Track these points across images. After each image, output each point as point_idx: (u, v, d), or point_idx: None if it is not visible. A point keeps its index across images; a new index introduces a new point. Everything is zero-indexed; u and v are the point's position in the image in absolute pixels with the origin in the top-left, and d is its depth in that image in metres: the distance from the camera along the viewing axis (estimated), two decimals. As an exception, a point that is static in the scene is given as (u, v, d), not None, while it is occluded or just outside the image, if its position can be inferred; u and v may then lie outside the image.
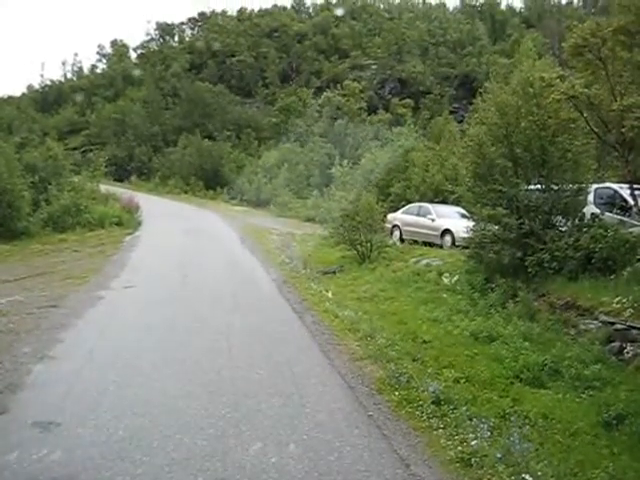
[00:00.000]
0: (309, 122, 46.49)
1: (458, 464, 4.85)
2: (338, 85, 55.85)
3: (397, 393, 6.35)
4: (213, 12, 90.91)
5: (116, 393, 6.16)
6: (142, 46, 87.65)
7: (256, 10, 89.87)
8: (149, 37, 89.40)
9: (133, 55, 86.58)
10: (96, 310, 10.04)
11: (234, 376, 6.81)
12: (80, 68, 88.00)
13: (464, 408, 5.91)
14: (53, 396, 5.97)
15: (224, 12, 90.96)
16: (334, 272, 14.91)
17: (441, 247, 15.87)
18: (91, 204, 23.80)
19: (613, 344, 7.80)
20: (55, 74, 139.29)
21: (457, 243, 14.72)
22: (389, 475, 4.65)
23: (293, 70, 72.61)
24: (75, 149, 53.00)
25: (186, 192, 46.67)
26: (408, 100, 58.96)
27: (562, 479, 4.53)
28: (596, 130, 10.33)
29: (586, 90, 9.39)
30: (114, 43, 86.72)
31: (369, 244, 15.61)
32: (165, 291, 11.79)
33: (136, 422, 5.39)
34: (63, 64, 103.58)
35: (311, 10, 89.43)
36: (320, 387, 6.55)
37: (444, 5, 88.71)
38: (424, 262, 13.81)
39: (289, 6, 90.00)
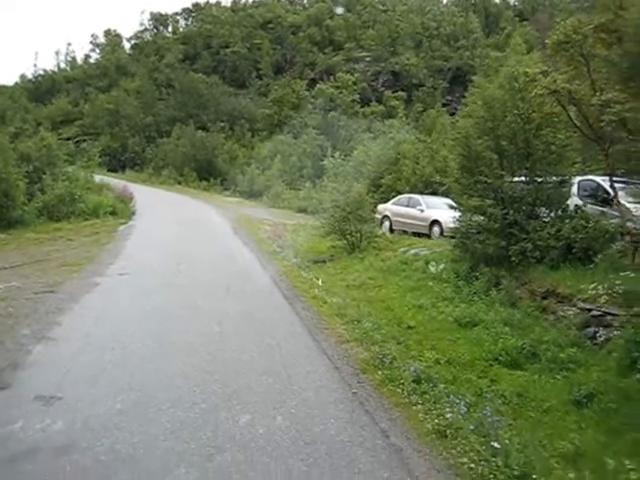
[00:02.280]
0: (302, 114, 46.71)
1: (434, 435, 5.19)
2: (332, 77, 56.10)
3: (380, 373, 6.68)
4: (207, 3, 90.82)
5: (113, 372, 6.44)
6: (136, 36, 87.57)
7: (250, 1, 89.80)
8: (143, 27, 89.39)
9: (127, 45, 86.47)
10: (92, 296, 10.29)
11: (226, 357, 7.10)
12: (73, 58, 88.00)
13: (442, 386, 6.26)
14: (53, 374, 6.26)
15: (218, 3, 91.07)
16: (324, 261, 15.22)
17: (430, 237, 16.21)
18: (85, 194, 23.98)
19: (589, 329, 8.15)
20: (48, 64, 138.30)
21: (445, 233, 15.00)
22: (370, 445, 4.97)
23: (287, 62, 72.60)
24: (69, 139, 53.04)
25: (180, 183, 46.82)
26: (401, 93, 59.34)
27: (528, 447, 4.87)
28: (578, 124, 10.60)
29: (567, 85, 9.67)
30: (107, 33, 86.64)
31: (359, 234, 15.93)
32: (159, 278, 12.02)
33: (132, 397, 5.70)
34: (56, 54, 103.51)
35: (305, 2, 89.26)
36: (308, 367, 6.85)
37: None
38: (412, 252, 14.16)
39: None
